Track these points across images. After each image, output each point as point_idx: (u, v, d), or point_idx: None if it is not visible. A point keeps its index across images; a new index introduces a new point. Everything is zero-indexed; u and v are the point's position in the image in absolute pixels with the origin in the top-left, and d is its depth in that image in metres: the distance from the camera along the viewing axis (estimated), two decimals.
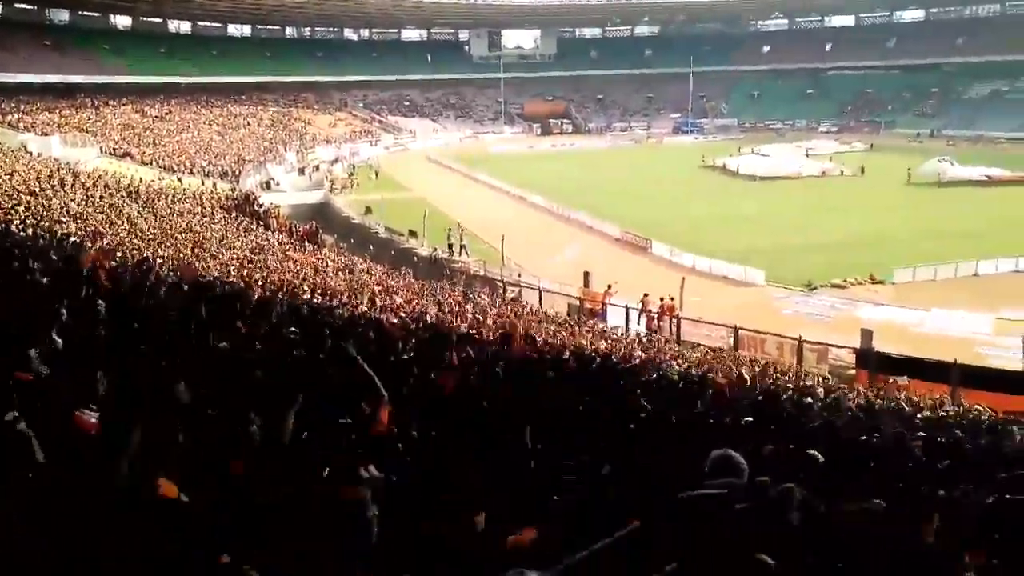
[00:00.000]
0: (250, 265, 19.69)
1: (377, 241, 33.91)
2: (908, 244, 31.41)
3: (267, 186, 47.94)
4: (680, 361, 15.92)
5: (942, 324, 22.02)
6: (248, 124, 66.86)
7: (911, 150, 59.96)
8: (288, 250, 26.33)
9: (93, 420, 3.05)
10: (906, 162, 49.93)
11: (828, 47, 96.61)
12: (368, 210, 40.01)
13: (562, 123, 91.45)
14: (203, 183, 40.80)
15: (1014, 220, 35.11)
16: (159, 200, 31.14)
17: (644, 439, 4.51)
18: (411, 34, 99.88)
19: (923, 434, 7.06)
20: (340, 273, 22.97)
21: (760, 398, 8.30)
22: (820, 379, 17.34)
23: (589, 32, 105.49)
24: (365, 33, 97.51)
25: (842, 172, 52.93)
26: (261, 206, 36.50)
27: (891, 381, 17.32)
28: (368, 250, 30.56)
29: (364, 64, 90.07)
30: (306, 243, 29.83)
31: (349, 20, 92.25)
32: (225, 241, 24.15)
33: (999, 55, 79.84)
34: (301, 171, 56.39)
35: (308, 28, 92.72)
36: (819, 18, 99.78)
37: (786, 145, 66.17)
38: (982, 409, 14.09)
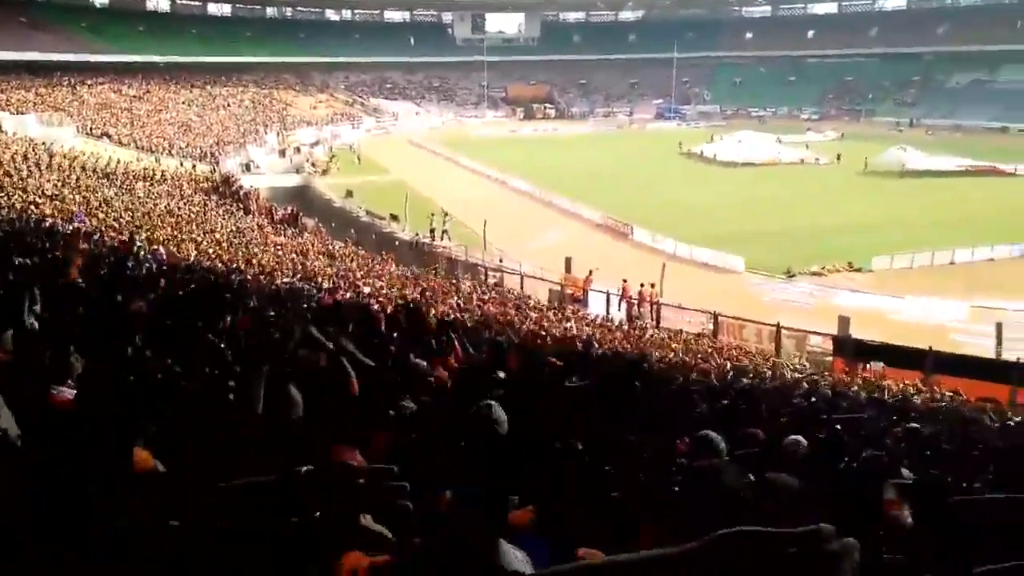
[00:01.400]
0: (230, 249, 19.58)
1: (358, 225, 33.78)
2: (883, 232, 31.72)
3: (247, 168, 47.47)
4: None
5: (918, 311, 22.30)
6: (228, 105, 66.11)
7: (887, 138, 60.15)
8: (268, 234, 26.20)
9: (68, 396, 3.10)
10: (882, 151, 50.27)
11: (810, 34, 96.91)
12: (349, 193, 39.80)
13: (545, 107, 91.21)
14: (181, 165, 40.38)
15: (983, 209, 36.03)
16: (137, 182, 30.84)
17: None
18: (394, 16, 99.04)
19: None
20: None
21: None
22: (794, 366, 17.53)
23: (573, 16, 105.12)
24: (347, 14, 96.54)
25: (818, 160, 53.35)
26: (241, 189, 36.21)
27: (867, 367, 17.57)
28: (349, 234, 30.44)
29: (346, 46, 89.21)
30: (286, 226, 29.66)
31: (331, 1, 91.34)
32: (205, 224, 23.98)
33: (980, 44, 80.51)
34: (282, 153, 55.89)
35: (289, 8, 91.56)
36: (802, 5, 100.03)
37: (759, 133, 65.55)
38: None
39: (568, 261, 26.54)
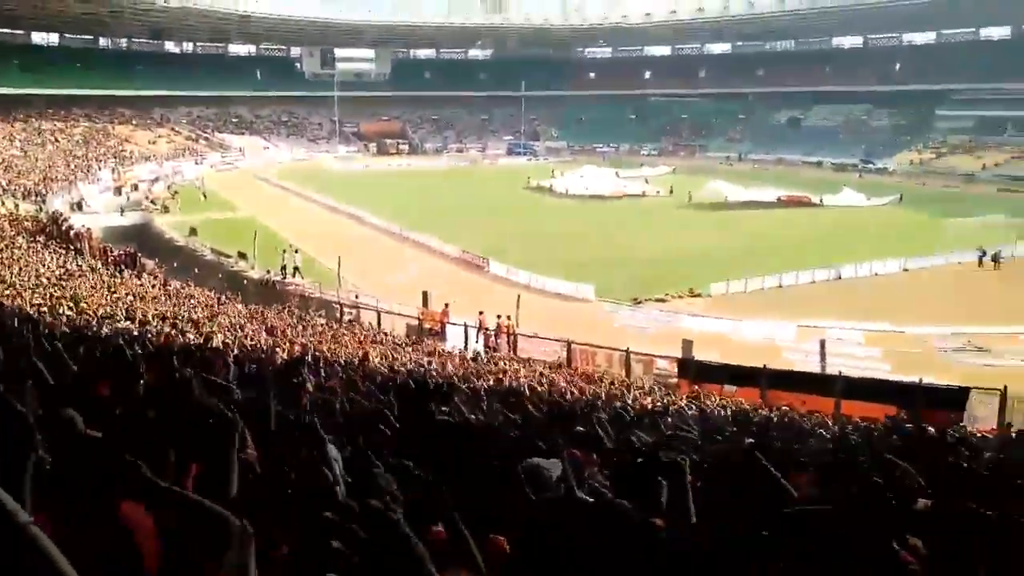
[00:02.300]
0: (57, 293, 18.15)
1: (203, 264, 32.24)
2: (716, 259, 33.96)
3: (78, 207, 44.32)
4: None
5: (753, 332, 23.95)
6: (56, 140, 61.70)
7: (716, 172, 64.53)
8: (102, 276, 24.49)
9: None
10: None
11: (647, 75, 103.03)
12: (193, 231, 37.95)
13: (398, 143, 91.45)
14: (3, 204, 37.17)
15: (796, 236, 40.08)
16: None
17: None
18: (239, 49, 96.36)
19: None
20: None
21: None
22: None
23: (424, 53, 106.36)
24: (188, 46, 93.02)
25: (659, 192, 56.73)
26: (71, 229, 33.69)
27: (721, 390, 18.60)
28: (193, 274, 28.98)
29: (188, 79, 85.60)
30: (123, 268, 27.86)
31: (171, 32, 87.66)
32: (28, 267, 22.13)
33: (795, 86, 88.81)
34: (117, 191, 52.58)
35: (125, 39, 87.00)
36: (639, 48, 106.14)
37: (600, 168, 67.77)
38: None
39: (425, 295, 26.50)
